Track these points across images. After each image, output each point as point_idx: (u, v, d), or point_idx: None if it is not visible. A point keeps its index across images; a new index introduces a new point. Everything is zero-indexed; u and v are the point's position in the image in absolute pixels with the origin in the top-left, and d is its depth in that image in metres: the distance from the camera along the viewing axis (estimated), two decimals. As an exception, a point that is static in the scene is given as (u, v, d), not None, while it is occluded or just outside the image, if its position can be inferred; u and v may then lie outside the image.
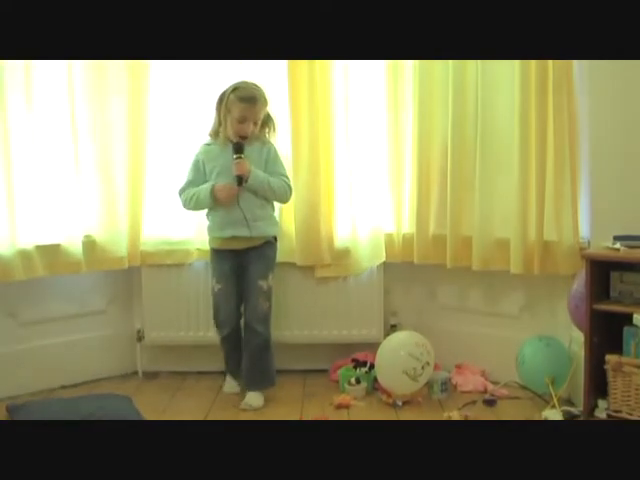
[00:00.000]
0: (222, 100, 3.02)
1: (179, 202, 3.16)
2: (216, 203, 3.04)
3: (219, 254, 3.13)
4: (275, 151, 3.14)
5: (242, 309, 3.15)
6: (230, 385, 3.26)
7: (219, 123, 3.06)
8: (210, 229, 3.14)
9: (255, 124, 3.03)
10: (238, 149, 2.99)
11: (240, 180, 2.98)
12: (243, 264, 3.09)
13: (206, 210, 3.13)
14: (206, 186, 3.05)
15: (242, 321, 3.16)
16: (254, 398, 3.06)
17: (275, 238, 3.17)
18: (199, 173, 3.11)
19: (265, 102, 3.04)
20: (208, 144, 3.12)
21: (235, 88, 3.00)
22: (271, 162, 3.11)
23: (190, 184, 3.12)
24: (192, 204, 3.10)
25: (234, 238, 3.05)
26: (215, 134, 3.10)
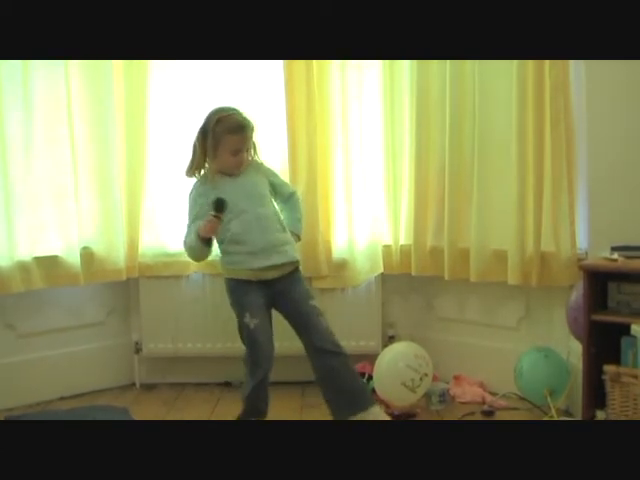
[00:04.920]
0: (206, 135, 2.73)
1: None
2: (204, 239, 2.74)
3: (247, 286, 2.78)
4: (268, 167, 2.96)
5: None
6: None
7: (204, 159, 2.77)
8: (235, 262, 2.79)
9: (248, 151, 2.82)
10: (219, 207, 2.66)
11: (219, 206, 2.66)
12: (275, 294, 2.82)
13: (223, 245, 2.81)
14: (193, 234, 2.75)
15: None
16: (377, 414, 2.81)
17: (299, 262, 2.91)
18: (202, 208, 2.77)
19: (253, 126, 2.79)
20: (202, 183, 2.82)
21: (218, 120, 2.71)
22: (273, 178, 2.92)
23: (197, 219, 2.78)
24: (191, 255, 2.83)
25: (267, 268, 2.77)
26: (199, 171, 2.81)
